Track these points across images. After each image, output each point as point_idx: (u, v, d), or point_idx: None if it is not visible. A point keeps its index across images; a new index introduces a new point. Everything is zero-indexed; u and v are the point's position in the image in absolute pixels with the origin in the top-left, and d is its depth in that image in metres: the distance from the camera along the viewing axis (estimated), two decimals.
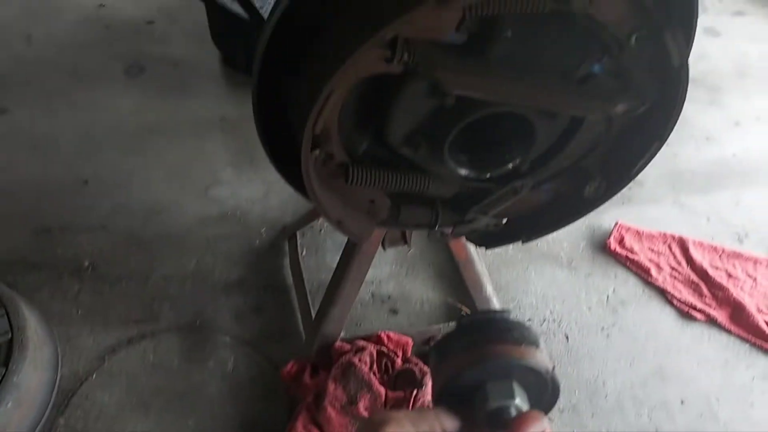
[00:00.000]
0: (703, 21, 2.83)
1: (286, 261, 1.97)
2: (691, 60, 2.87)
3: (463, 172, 1.05)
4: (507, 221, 1.20)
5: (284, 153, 1.14)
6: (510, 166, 1.06)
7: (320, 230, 2.06)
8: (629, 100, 1.00)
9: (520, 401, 0.57)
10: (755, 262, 2.15)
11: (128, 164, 2.15)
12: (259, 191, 2.13)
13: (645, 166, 1.09)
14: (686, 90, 0.97)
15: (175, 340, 1.76)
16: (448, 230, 1.22)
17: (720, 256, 2.15)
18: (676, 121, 1.01)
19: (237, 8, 2.14)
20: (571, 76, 0.95)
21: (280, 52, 1.03)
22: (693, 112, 2.54)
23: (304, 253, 1.99)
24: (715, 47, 2.79)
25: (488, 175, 1.07)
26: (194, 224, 2.02)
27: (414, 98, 0.96)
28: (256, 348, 1.75)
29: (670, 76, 0.96)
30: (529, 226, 1.24)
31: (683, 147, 2.42)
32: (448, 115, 0.96)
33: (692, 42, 1.00)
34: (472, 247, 1.72)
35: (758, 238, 2.20)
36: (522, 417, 0.55)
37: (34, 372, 1.49)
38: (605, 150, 1.11)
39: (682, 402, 1.77)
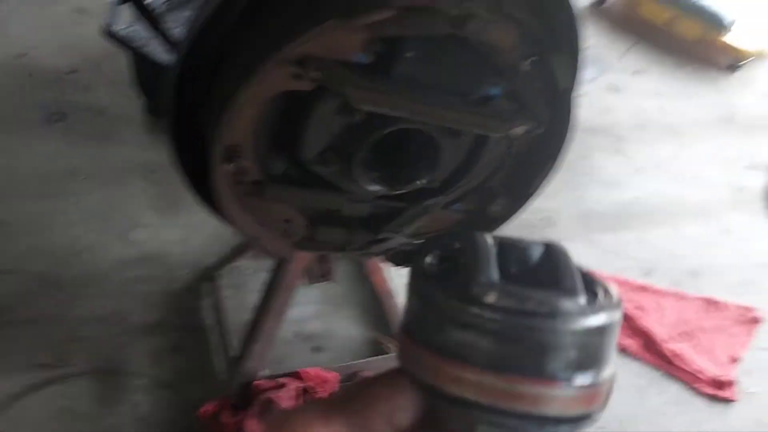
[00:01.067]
0: (606, 79, 3.08)
1: (207, 302, 1.95)
2: (596, 112, 3.08)
3: (375, 189, 1.10)
4: (422, 240, 1.25)
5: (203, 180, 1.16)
6: (419, 183, 1.11)
7: (243, 271, 2.06)
8: (526, 122, 1.08)
9: None
10: (661, 294, 2.28)
11: (46, 208, 2.10)
12: (180, 234, 2.12)
13: (541, 185, 1.17)
14: (574, 113, 1.06)
15: (87, 384, 1.69)
16: (365, 252, 1.26)
17: (628, 289, 2.27)
18: (567, 144, 1.09)
19: (161, 57, 2.18)
20: (470, 96, 1.02)
21: (193, 79, 1.08)
22: (600, 159, 2.72)
23: (226, 293, 1.98)
24: (618, 102, 3.01)
25: (398, 193, 1.12)
26: (113, 267, 1.98)
27: (325, 116, 1.01)
28: (173, 389, 1.71)
29: (558, 99, 1.06)
30: None
31: (591, 191, 2.58)
32: (358, 132, 1.02)
33: (579, 68, 1.10)
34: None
35: (663, 273, 2.34)
36: None
37: None
38: (508, 170, 1.19)
39: (598, 428, 1.83)
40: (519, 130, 1.09)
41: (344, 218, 1.19)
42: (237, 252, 1.93)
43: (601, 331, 0.37)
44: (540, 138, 1.12)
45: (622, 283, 2.27)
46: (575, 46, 1.09)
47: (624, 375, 1.98)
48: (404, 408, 0.38)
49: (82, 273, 1.93)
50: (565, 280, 0.37)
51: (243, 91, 0.90)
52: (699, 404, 1.97)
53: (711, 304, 2.28)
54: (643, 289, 2.27)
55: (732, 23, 3.18)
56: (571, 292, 0.37)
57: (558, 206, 2.48)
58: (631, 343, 2.09)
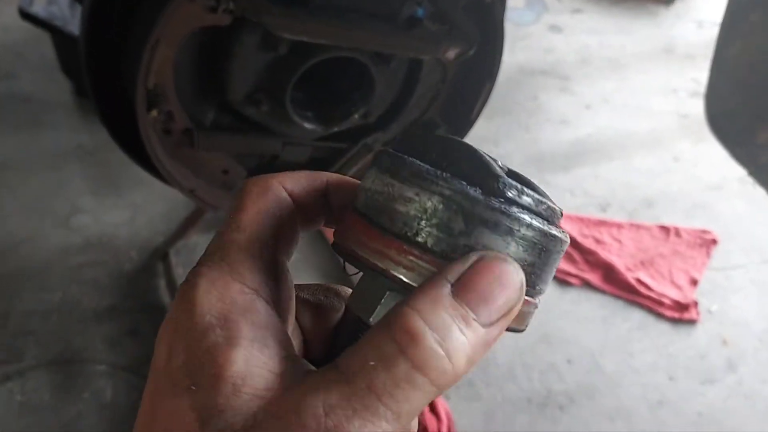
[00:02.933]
0: (546, 19, 3.07)
1: (162, 282, 1.88)
2: (540, 54, 3.06)
3: (311, 128, 1.06)
4: None
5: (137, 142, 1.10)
6: (356, 116, 1.08)
7: (195, 247, 1.99)
8: (457, 44, 1.05)
9: None
10: (618, 226, 2.29)
11: None
12: (124, 215, 2.03)
13: (482, 109, 1.14)
14: (503, 27, 1.03)
15: (44, 376, 1.62)
16: None
17: (587, 225, 2.28)
18: (500, 60, 1.07)
19: None
20: (395, 19, 0.98)
21: (108, 31, 1.01)
22: (547, 99, 2.71)
23: (180, 271, 1.91)
24: (559, 41, 3.01)
25: (336, 129, 1.08)
26: (56, 256, 1.89)
27: (248, 52, 0.96)
28: (134, 373, 1.65)
29: (485, 14, 1.02)
30: None
31: (542, 131, 2.57)
32: (284, 66, 0.97)
33: None
34: None
35: (619, 206, 2.35)
36: None
37: None
38: (445, 99, 1.16)
39: (568, 361, 1.84)
40: (450, 53, 1.05)
41: (284, 165, 1.15)
42: (186, 227, 1.87)
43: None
44: (473, 60, 1.09)
45: (581, 220, 2.28)
46: None
47: (588, 308, 1.99)
48: None
49: (22, 266, 1.84)
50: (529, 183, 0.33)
51: (157, 29, 0.84)
52: (664, 328, 1.99)
53: (667, 230, 2.31)
54: (601, 223, 2.28)
55: None
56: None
57: (511, 150, 2.47)
58: (593, 276, 2.10)
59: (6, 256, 1.86)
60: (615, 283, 2.10)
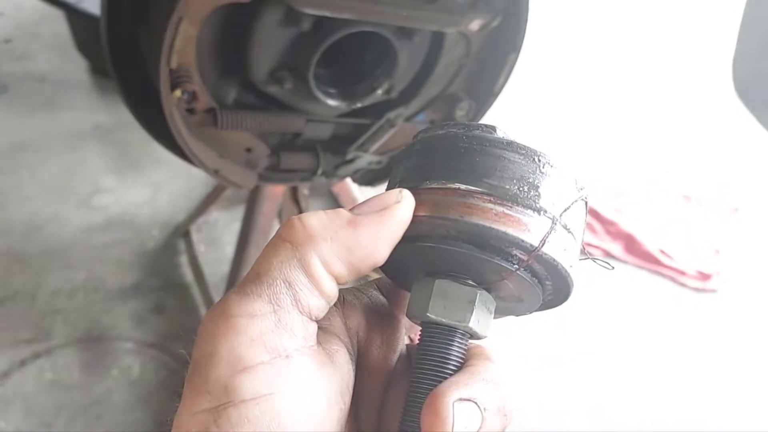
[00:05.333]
0: None
1: (184, 259, 1.90)
2: None
3: (334, 105, 1.05)
4: (390, 158, 1.21)
5: (159, 122, 1.10)
6: (379, 92, 1.06)
7: (216, 224, 2.00)
8: (481, 15, 1.03)
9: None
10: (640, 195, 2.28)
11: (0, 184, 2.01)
12: (145, 194, 2.05)
13: (506, 81, 1.12)
14: None
15: (73, 354, 1.65)
16: (333, 177, 1.21)
17: (607, 195, 2.27)
18: (525, 29, 1.05)
19: (98, 12, 2.06)
20: None
21: (127, 10, 1.01)
22: None
23: (202, 248, 1.93)
24: None
25: (359, 105, 1.07)
26: (79, 235, 1.91)
27: (270, 29, 0.95)
28: (162, 349, 1.67)
29: None
30: None
31: None
32: (307, 43, 0.96)
33: None
34: None
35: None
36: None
37: None
38: (468, 72, 1.14)
39: (596, 334, 1.84)
40: (475, 24, 1.04)
41: (307, 142, 1.15)
42: (206, 204, 1.88)
43: None
44: (497, 31, 1.07)
45: (601, 192, 2.26)
46: None
47: (611, 278, 1.98)
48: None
49: (47, 246, 1.86)
50: None
51: (180, 6, 0.83)
52: (687, 296, 1.99)
53: (690, 199, 2.29)
54: (621, 193, 2.27)
55: None
56: None
57: None
58: (615, 247, 2.09)
59: (31, 237, 1.88)
60: (637, 254, 2.09)
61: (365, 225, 0.34)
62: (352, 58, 1.04)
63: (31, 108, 2.25)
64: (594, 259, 0.37)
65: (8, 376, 1.58)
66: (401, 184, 0.36)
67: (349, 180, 1.35)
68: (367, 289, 0.41)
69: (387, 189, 0.36)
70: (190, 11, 0.86)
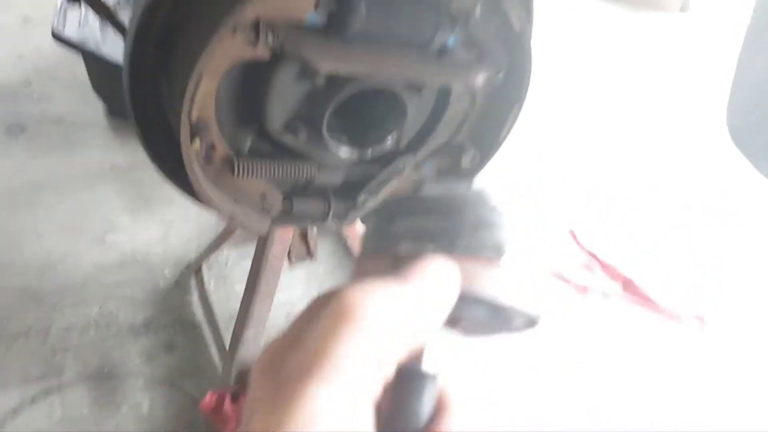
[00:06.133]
0: None
1: (195, 297, 1.94)
2: None
3: (345, 153, 1.10)
4: None
5: (174, 165, 1.15)
6: (388, 143, 1.11)
7: (226, 262, 2.05)
8: (486, 69, 1.09)
9: None
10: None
11: (15, 223, 2.06)
12: (158, 233, 2.10)
13: (510, 131, 1.17)
14: (531, 50, 1.07)
15: (84, 390, 1.68)
16: (343, 221, 1.26)
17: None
18: (529, 81, 1.10)
19: (115, 57, 2.14)
20: (428, 48, 1.02)
21: (149, 59, 1.06)
22: None
23: (212, 286, 1.97)
24: None
25: (369, 154, 1.12)
26: (93, 272, 1.95)
27: (286, 83, 1.00)
28: (172, 386, 1.70)
29: (515, 41, 1.06)
30: None
31: None
32: (321, 96, 1.01)
33: (532, 8, 1.11)
34: None
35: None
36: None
37: None
38: (474, 123, 1.20)
39: (595, 368, 1.86)
40: (480, 78, 1.09)
41: (319, 188, 1.19)
42: (217, 243, 1.92)
43: None
44: (502, 85, 1.12)
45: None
46: None
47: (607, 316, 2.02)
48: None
49: (60, 283, 1.90)
50: None
51: (200, 63, 0.89)
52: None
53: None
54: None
55: None
56: None
57: None
58: (612, 288, 2.15)
59: (45, 274, 1.92)
60: (634, 296, 2.14)
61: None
62: (364, 110, 1.10)
63: (48, 148, 2.32)
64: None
65: (18, 413, 1.61)
66: None
67: (357, 221, 1.39)
68: None
69: None
70: (211, 67, 0.92)
